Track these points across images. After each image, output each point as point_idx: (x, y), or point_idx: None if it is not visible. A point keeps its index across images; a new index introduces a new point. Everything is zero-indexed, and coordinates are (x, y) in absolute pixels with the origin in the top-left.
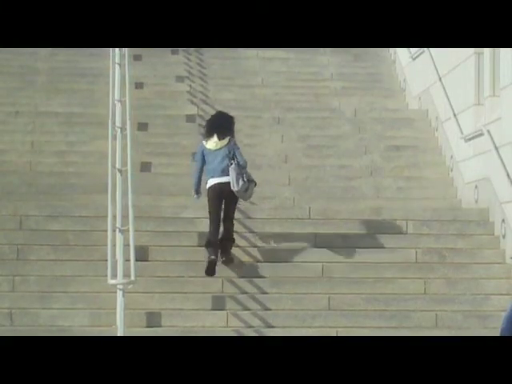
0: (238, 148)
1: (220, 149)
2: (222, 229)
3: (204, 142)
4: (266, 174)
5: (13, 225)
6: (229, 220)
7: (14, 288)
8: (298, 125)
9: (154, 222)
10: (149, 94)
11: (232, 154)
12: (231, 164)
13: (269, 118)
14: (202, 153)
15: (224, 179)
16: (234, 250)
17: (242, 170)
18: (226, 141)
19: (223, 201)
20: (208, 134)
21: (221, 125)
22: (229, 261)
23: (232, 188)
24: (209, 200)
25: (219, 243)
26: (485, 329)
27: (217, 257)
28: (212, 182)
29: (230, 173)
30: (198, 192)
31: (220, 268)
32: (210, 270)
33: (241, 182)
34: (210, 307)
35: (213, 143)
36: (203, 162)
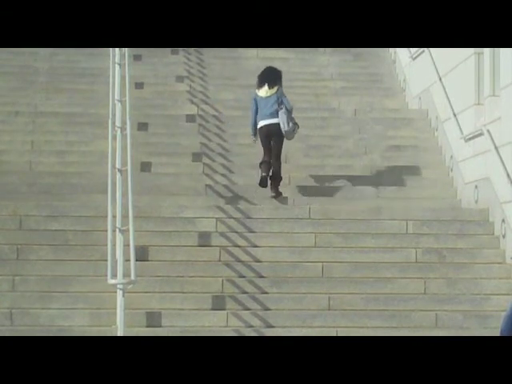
0: (285, 96)
1: (270, 96)
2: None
3: (256, 91)
4: None
5: (13, 225)
6: (277, 159)
7: (14, 288)
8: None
9: (153, 222)
10: (149, 94)
11: (280, 100)
12: (281, 108)
13: None
14: (255, 100)
15: (273, 121)
16: (234, 250)
17: (289, 114)
18: (274, 89)
19: (271, 139)
20: (260, 84)
21: (270, 76)
22: (278, 195)
23: (282, 128)
24: (260, 138)
25: (270, 180)
26: (485, 329)
27: (267, 174)
28: (262, 123)
29: (280, 116)
30: (255, 134)
31: (220, 268)
32: (263, 183)
33: (291, 124)
34: (210, 307)
35: (264, 91)
36: (256, 108)
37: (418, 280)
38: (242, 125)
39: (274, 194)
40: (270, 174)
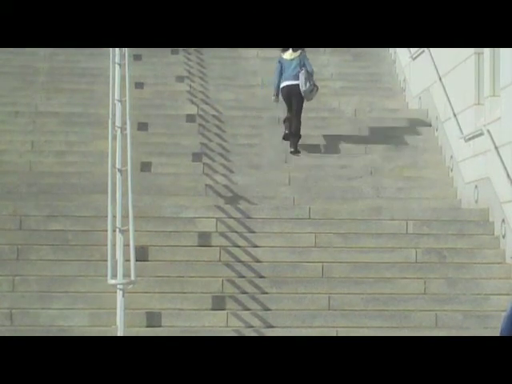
0: (308, 59)
1: (293, 59)
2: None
3: (281, 54)
4: (266, 173)
5: (13, 225)
6: (297, 118)
7: (14, 288)
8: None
9: (153, 222)
10: (149, 94)
11: (302, 62)
12: (301, 70)
13: (269, 118)
14: (280, 62)
15: (294, 82)
16: (234, 250)
17: (309, 75)
18: (298, 53)
19: (292, 99)
20: (285, 48)
21: None
22: (296, 152)
23: (301, 88)
24: (282, 97)
25: (290, 134)
26: (485, 329)
27: (290, 131)
28: (285, 83)
29: (300, 77)
30: (277, 94)
31: (220, 268)
32: (286, 138)
33: (308, 84)
34: (210, 307)
35: (288, 54)
36: (281, 69)
37: (417, 280)
38: (241, 125)
39: (292, 150)
40: (292, 130)
